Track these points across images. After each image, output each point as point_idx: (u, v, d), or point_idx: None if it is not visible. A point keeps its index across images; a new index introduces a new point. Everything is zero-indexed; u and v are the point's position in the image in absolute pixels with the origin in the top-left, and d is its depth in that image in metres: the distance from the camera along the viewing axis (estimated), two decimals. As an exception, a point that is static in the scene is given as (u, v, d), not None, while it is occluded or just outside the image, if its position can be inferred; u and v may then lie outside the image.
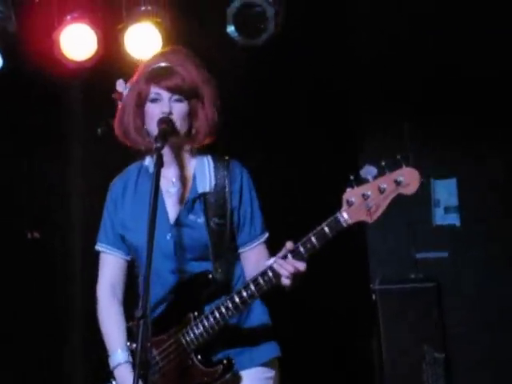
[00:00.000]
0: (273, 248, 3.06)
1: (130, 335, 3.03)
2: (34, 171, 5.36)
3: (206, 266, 3.01)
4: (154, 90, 3.03)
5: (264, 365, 3.05)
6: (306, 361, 5.39)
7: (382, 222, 5.77)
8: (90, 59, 4.97)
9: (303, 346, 5.31)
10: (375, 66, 5.85)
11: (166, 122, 2.97)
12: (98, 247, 3.18)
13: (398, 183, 2.65)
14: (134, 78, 3.13)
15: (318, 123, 5.62)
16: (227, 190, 3.04)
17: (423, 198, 5.90)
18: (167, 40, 4.93)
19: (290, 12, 4.98)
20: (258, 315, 3.06)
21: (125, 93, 3.13)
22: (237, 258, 3.11)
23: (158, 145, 2.87)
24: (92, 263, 5.33)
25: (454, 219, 5.93)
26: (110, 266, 3.13)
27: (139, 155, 3.22)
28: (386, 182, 2.67)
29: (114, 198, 3.15)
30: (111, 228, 3.13)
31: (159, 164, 2.84)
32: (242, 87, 5.23)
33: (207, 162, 3.12)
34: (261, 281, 2.84)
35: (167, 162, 3.00)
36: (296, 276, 2.81)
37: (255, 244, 3.11)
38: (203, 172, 3.08)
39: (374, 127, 6.06)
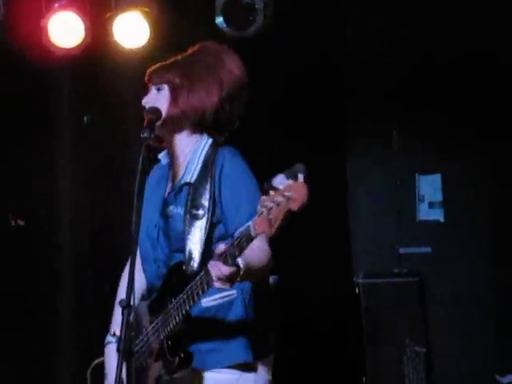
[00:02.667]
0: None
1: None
2: (20, 158, 5.33)
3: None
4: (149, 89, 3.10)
5: (236, 368, 2.94)
6: (286, 354, 5.39)
7: (366, 216, 5.90)
8: (77, 47, 4.96)
9: (284, 340, 5.32)
10: (364, 63, 5.86)
11: (152, 112, 2.97)
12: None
13: (287, 198, 2.46)
14: None
15: (305, 117, 5.63)
16: (208, 179, 2.96)
17: (408, 193, 5.93)
18: (155, 29, 4.94)
19: (279, 4, 4.98)
20: (238, 309, 2.96)
21: None
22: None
23: (145, 135, 2.86)
24: (79, 253, 5.41)
25: (438, 215, 5.96)
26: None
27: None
28: (279, 195, 2.49)
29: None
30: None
31: (147, 154, 2.83)
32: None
33: (202, 148, 3.05)
34: (200, 278, 2.77)
35: (175, 151, 3.05)
36: (222, 280, 2.69)
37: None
38: (194, 159, 3.03)
39: (361, 122, 6.07)
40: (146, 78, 3.12)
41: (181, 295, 2.82)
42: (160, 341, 2.89)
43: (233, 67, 3.07)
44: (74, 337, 5.36)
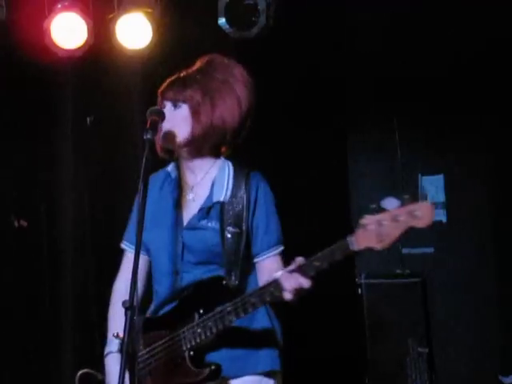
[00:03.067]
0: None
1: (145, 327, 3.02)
2: (22, 159, 5.34)
3: (213, 270, 3.01)
4: (162, 103, 3.08)
5: (259, 375, 3.01)
6: (289, 355, 5.39)
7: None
8: (80, 48, 4.96)
9: (286, 340, 5.32)
10: (366, 63, 5.86)
11: (156, 113, 2.96)
12: (123, 245, 3.20)
13: (413, 216, 2.67)
14: None
15: (308, 118, 5.63)
16: (245, 199, 3.01)
17: (410, 194, 5.92)
18: (158, 30, 4.94)
19: (282, 5, 4.98)
20: (261, 318, 3.03)
21: None
22: (252, 268, 3.08)
23: (148, 136, 2.85)
24: (82, 253, 5.41)
25: (440, 215, 5.95)
26: (131, 264, 3.09)
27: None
28: (402, 214, 2.69)
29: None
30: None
31: (149, 157, 2.83)
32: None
33: (227, 169, 3.10)
34: (264, 291, 2.83)
35: (190, 167, 3.07)
36: (299, 292, 2.79)
37: (269, 254, 3.06)
38: (221, 180, 3.07)
39: (364, 123, 6.07)
40: (160, 92, 3.10)
41: (226, 307, 2.85)
42: (178, 353, 2.91)
43: (245, 82, 3.10)
44: (76, 336, 5.36)
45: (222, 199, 3.03)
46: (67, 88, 5.43)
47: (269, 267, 3.03)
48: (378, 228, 2.70)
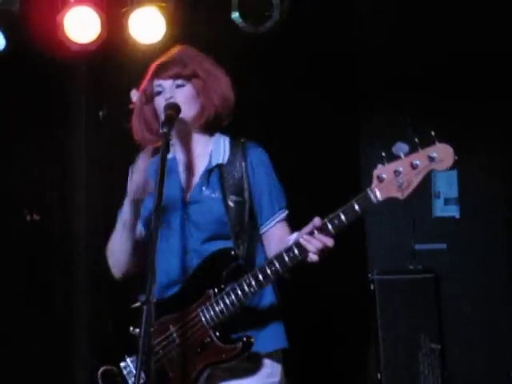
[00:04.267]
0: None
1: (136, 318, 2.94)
2: (36, 153, 5.34)
3: (223, 245, 2.99)
4: (157, 83, 3.08)
5: (270, 357, 3.01)
6: (303, 350, 5.39)
7: (381, 213, 5.88)
8: (93, 42, 4.95)
9: (300, 336, 5.32)
10: (379, 51, 5.83)
11: (171, 108, 2.98)
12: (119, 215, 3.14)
13: (431, 159, 2.62)
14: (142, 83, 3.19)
15: (321, 106, 5.61)
16: (243, 167, 3.04)
17: (423, 190, 5.89)
18: (171, 24, 4.93)
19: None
20: (269, 293, 3.03)
21: (134, 99, 3.19)
22: (258, 237, 3.08)
23: (165, 130, 2.88)
24: (94, 247, 5.41)
25: (453, 211, 5.93)
26: None
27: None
28: (418, 158, 2.63)
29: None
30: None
31: (166, 150, 2.85)
32: (247, 73, 5.21)
33: (223, 140, 3.14)
34: (285, 257, 2.82)
35: (185, 144, 3.08)
36: (323, 252, 2.79)
37: (275, 221, 3.07)
38: (218, 147, 3.10)
39: (376, 118, 6.05)
40: (153, 72, 3.10)
41: (245, 278, 2.84)
42: (205, 331, 2.88)
43: (221, 67, 3.17)
44: (90, 330, 5.37)
45: (220, 161, 3.05)
46: (80, 82, 5.44)
47: (277, 233, 3.05)
48: (397, 177, 2.65)
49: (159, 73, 3.09)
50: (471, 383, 5.59)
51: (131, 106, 3.19)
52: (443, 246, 5.88)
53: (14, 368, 5.08)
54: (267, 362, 3.00)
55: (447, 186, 5.96)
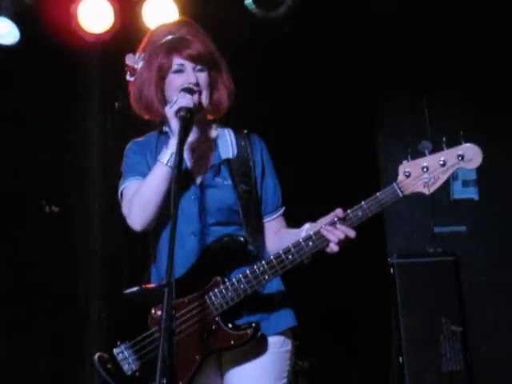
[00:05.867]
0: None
1: (154, 299, 2.94)
2: (52, 145, 5.35)
3: (230, 231, 3.00)
4: (177, 61, 3.03)
5: (281, 334, 3.03)
6: (324, 335, 5.40)
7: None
8: (107, 32, 4.97)
9: (321, 321, 5.33)
10: (395, 42, 5.79)
11: (189, 91, 2.97)
12: (125, 184, 3.08)
13: (460, 157, 2.70)
14: (145, 50, 3.12)
15: (337, 98, 5.59)
16: (250, 159, 3.07)
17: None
18: (184, 12, 4.91)
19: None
20: (275, 282, 3.03)
21: (138, 66, 3.12)
22: (261, 227, 3.12)
23: (183, 113, 2.87)
24: (113, 235, 5.42)
25: (472, 193, 5.90)
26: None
27: (155, 127, 3.20)
28: (446, 156, 2.72)
29: (136, 150, 3.13)
30: (139, 164, 3.07)
31: (183, 132, 2.84)
32: (258, 58, 5.21)
33: (228, 132, 3.16)
34: (304, 246, 2.84)
35: (191, 132, 3.01)
36: (344, 243, 2.82)
37: (277, 214, 3.15)
38: (225, 140, 3.12)
39: (392, 100, 6.03)
40: (172, 47, 3.03)
41: (259, 266, 2.86)
42: (211, 317, 2.89)
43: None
44: (104, 322, 5.38)
45: (230, 156, 3.07)
46: (95, 72, 5.43)
47: (277, 226, 3.13)
48: (424, 173, 2.71)
49: (180, 50, 3.02)
50: (494, 365, 5.57)
51: (127, 70, 3.15)
52: (463, 228, 5.86)
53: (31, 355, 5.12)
54: (277, 337, 3.02)
55: (465, 169, 5.91)
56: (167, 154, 2.93)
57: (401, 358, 5.36)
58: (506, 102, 5.71)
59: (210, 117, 3.14)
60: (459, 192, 5.92)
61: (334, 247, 2.82)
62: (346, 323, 5.46)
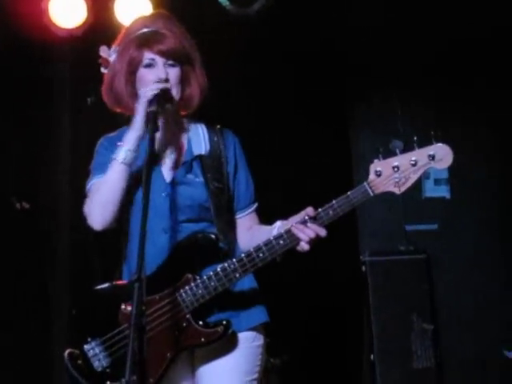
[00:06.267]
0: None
1: (125, 295, 2.94)
2: (22, 141, 5.30)
3: (201, 228, 2.99)
4: (148, 56, 3.00)
5: (252, 330, 3.03)
6: (295, 332, 5.40)
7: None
8: (79, 27, 4.94)
9: (292, 318, 5.33)
10: (368, 40, 5.80)
11: (165, 92, 2.95)
12: (92, 181, 3.05)
13: (431, 157, 2.70)
14: (120, 43, 3.10)
15: (308, 95, 5.60)
16: (222, 155, 3.06)
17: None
18: (157, 8, 4.88)
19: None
20: (247, 279, 3.03)
21: (111, 59, 3.11)
22: (233, 223, 3.11)
23: (153, 108, 2.86)
24: (80, 234, 5.39)
25: (443, 191, 5.93)
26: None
27: (127, 122, 3.18)
28: (417, 156, 2.71)
29: (107, 146, 3.10)
30: (107, 162, 3.00)
31: (153, 128, 2.82)
32: (234, 56, 5.19)
33: (201, 128, 3.14)
34: (275, 244, 2.83)
35: (161, 128, 3.00)
36: (315, 242, 2.82)
37: (249, 210, 3.15)
38: (197, 136, 3.10)
39: (364, 99, 6.04)
40: (143, 41, 3.00)
41: (230, 264, 2.85)
42: (182, 315, 2.88)
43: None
44: (74, 319, 5.34)
45: (203, 152, 3.05)
46: (67, 68, 5.39)
47: (249, 223, 3.12)
48: (395, 173, 2.71)
49: (151, 45, 2.99)
50: (464, 362, 5.61)
51: (100, 62, 3.14)
52: (434, 226, 5.89)
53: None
54: (249, 332, 3.02)
55: (437, 167, 5.94)
56: (123, 151, 2.93)
57: (372, 356, 5.39)
58: (478, 101, 5.75)
59: (182, 112, 3.12)
60: (431, 190, 5.95)
61: (304, 246, 2.82)
62: (317, 320, 5.46)
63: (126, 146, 2.93)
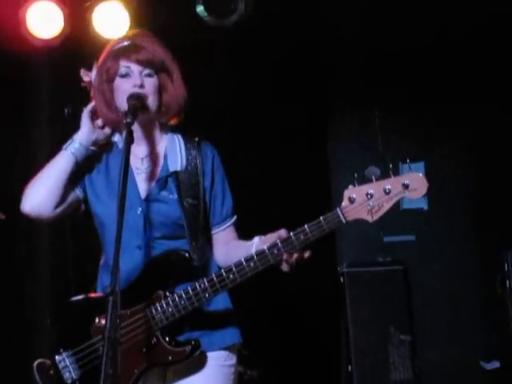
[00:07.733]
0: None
1: (99, 308, 2.92)
2: (1, 151, 5.27)
3: (176, 245, 2.97)
4: (124, 64, 3.00)
5: (225, 349, 3.02)
6: (272, 344, 5.39)
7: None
8: (56, 37, 4.92)
9: (269, 330, 5.32)
10: (344, 48, 5.82)
11: (136, 98, 2.94)
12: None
13: (405, 186, 2.66)
14: (100, 60, 3.10)
15: (288, 104, 5.60)
16: (199, 170, 3.03)
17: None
18: (135, 19, 4.90)
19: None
20: (221, 298, 3.01)
21: (93, 78, 3.10)
22: (210, 239, 3.09)
23: (128, 120, 2.84)
24: (58, 244, 5.36)
25: (421, 203, 5.95)
26: None
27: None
28: (392, 184, 2.67)
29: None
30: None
31: (129, 140, 2.80)
32: (211, 67, 5.20)
33: (178, 140, 3.11)
34: (245, 266, 2.80)
35: (137, 139, 2.99)
36: (291, 264, 2.80)
37: (226, 225, 3.11)
38: (174, 151, 3.07)
39: (344, 112, 6.06)
40: (120, 52, 3.01)
41: (200, 283, 2.82)
42: (151, 332, 2.86)
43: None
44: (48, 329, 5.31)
45: (178, 168, 3.03)
46: (43, 78, 5.37)
47: (225, 238, 3.09)
48: (368, 200, 2.68)
49: (128, 54, 2.99)
50: (442, 374, 5.62)
51: (83, 85, 3.14)
52: (412, 237, 5.90)
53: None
54: (221, 352, 3.01)
55: (415, 178, 5.96)
56: (75, 143, 3.01)
57: (350, 367, 5.38)
58: (455, 114, 5.78)
59: (159, 122, 3.09)
60: (408, 202, 5.93)
61: (283, 267, 2.81)
62: (295, 332, 5.45)
63: (78, 140, 3.01)
